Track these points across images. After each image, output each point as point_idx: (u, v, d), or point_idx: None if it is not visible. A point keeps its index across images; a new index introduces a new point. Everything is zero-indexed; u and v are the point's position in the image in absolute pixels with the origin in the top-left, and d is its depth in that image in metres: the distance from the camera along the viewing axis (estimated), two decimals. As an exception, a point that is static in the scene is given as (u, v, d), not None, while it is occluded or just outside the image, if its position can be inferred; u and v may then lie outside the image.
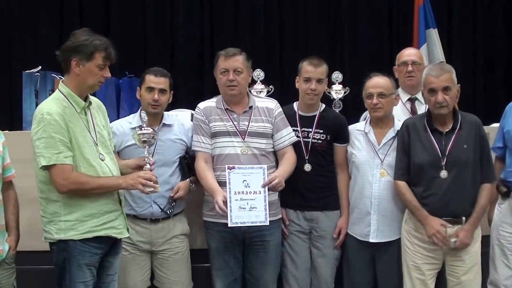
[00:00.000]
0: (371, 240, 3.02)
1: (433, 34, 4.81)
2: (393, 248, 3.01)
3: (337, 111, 3.67)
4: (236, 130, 2.95)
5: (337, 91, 3.80)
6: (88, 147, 2.54)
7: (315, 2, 5.37)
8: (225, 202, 2.79)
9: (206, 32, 5.21)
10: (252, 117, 2.98)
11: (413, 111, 3.47)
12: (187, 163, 3.00)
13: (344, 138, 3.15)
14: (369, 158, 3.04)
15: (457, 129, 2.85)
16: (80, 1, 5.13)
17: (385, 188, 3.00)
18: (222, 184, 2.87)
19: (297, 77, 3.18)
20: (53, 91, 3.52)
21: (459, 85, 2.89)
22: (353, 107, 3.74)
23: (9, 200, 2.69)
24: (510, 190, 3.05)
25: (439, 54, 4.78)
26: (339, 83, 3.80)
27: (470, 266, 2.85)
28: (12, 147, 2.77)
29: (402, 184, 2.91)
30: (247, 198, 2.82)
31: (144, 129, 2.70)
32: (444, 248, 2.84)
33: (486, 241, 3.02)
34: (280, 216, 3.06)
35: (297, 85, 3.19)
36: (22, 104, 3.56)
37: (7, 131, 2.80)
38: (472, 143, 2.83)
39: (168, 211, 2.97)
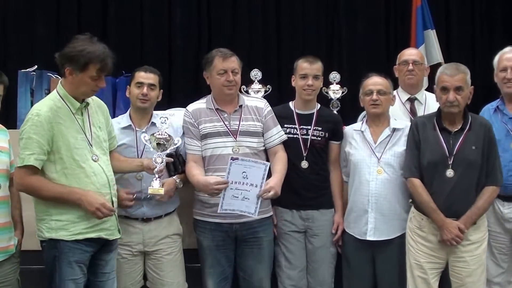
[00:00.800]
0: (368, 238, 3.04)
1: (431, 35, 4.89)
2: (392, 246, 3.02)
3: (335, 111, 3.69)
4: (227, 130, 2.98)
5: (335, 91, 3.81)
6: (80, 148, 2.56)
7: (313, 2, 5.38)
8: (218, 180, 2.82)
9: (203, 32, 5.21)
10: (242, 115, 3.01)
11: (412, 111, 3.49)
12: (173, 162, 2.95)
13: (340, 135, 3.21)
14: (366, 157, 3.07)
15: (466, 129, 2.87)
16: (78, 1, 5.12)
17: (382, 186, 3.02)
18: None
19: (293, 76, 3.23)
20: (49, 90, 3.57)
21: (472, 86, 2.91)
22: (351, 107, 3.75)
23: (14, 197, 2.72)
24: None
25: (437, 55, 4.85)
26: (336, 83, 3.81)
27: (474, 268, 2.86)
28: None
29: (418, 182, 2.89)
30: (242, 189, 2.84)
31: (162, 134, 2.79)
32: (448, 248, 2.84)
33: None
34: (271, 213, 3.08)
35: (293, 83, 3.24)
36: (17, 102, 3.55)
37: (5, 128, 2.80)
38: (480, 145, 2.85)
39: (173, 173, 2.96)
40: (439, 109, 2.96)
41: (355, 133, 3.15)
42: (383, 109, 3.08)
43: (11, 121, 3.55)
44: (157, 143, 2.80)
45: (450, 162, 2.82)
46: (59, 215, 2.54)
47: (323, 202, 3.16)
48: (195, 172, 2.94)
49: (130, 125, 3.02)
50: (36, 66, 3.66)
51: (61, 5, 5.13)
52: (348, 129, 3.21)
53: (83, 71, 2.52)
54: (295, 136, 3.15)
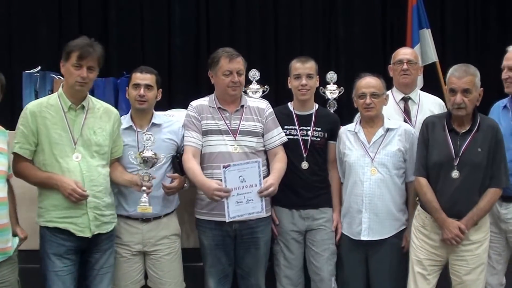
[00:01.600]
0: (362, 238, 3.04)
1: (427, 34, 4.86)
2: (386, 246, 3.04)
3: (332, 111, 3.69)
4: (228, 128, 2.99)
5: (332, 91, 3.81)
6: (61, 144, 2.71)
7: (310, 3, 5.38)
8: (220, 187, 2.82)
9: (202, 32, 5.22)
10: (243, 115, 3.02)
11: (406, 110, 3.48)
12: (179, 162, 3.02)
13: (337, 135, 3.22)
14: (360, 157, 3.08)
15: (474, 131, 2.85)
16: (79, 2, 5.14)
17: (376, 186, 3.03)
18: None
19: (288, 77, 3.25)
20: (52, 90, 3.61)
21: (481, 88, 2.88)
22: (348, 107, 3.68)
23: (9, 194, 2.75)
24: None
25: (432, 54, 4.82)
26: (333, 83, 3.82)
27: (474, 267, 2.86)
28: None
29: (424, 181, 2.91)
30: (243, 192, 2.85)
31: (147, 152, 2.81)
32: (449, 247, 2.86)
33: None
34: (269, 213, 3.10)
35: (289, 85, 3.25)
36: (22, 104, 3.59)
37: (8, 130, 2.84)
38: (487, 147, 2.83)
39: (180, 173, 3.00)
40: (449, 110, 2.94)
41: (349, 134, 3.15)
42: (377, 111, 3.09)
43: (16, 122, 3.60)
44: (142, 161, 2.81)
45: (456, 163, 2.82)
46: (41, 202, 2.76)
47: (322, 201, 3.18)
48: (198, 171, 2.94)
49: (131, 125, 3.04)
50: (39, 67, 3.69)
51: (63, 5, 5.15)
52: (342, 130, 3.21)
53: (67, 60, 2.71)
54: (295, 137, 3.16)
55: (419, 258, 2.92)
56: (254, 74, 3.78)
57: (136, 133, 3.03)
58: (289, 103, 3.29)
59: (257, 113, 3.06)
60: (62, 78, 2.88)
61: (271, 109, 3.13)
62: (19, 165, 2.74)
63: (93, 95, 3.40)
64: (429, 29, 4.89)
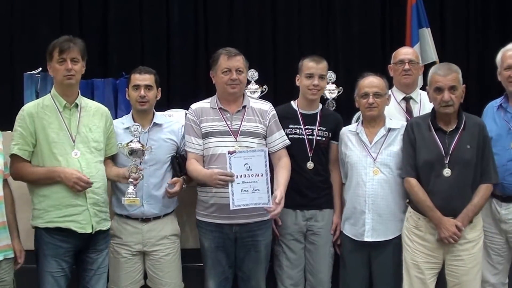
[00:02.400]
0: (366, 239, 3.03)
1: (426, 33, 4.85)
2: (389, 247, 3.03)
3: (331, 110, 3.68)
4: (229, 129, 2.98)
5: (331, 91, 3.81)
6: (59, 143, 2.74)
7: (308, 2, 5.37)
8: (223, 171, 2.82)
9: (200, 32, 5.22)
10: (245, 116, 3.01)
11: (408, 110, 3.47)
12: (178, 163, 3.04)
13: (339, 135, 3.23)
14: (362, 157, 3.07)
15: (461, 128, 2.87)
16: (79, 3, 5.16)
17: (379, 186, 3.02)
18: None
19: (297, 75, 3.23)
20: (52, 92, 3.63)
21: (464, 85, 2.91)
22: (347, 107, 3.74)
23: (7, 199, 2.77)
24: None
25: (432, 54, 4.81)
26: (332, 83, 3.82)
27: (470, 267, 2.86)
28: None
29: (414, 181, 2.90)
30: (249, 181, 2.83)
31: (134, 143, 2.82)
32: (445, 247, 2.86)
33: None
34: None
35: (297, 83, 3.24)
36: (23, 104, 3.61)
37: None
38: (475, 144, 2.85)
39: (179, 174, 3.02)
40: (433, 110, 2.95)
41: (351, 134, 3.14)
42: (379, 111, 3.08)
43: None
44: (130, 152, 2.82)
45: (447, 161, 2.82)
46: (38, 204, 2.76)
47: (325, 202, 3.18)
48: (198, 166, 2.96)
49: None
50: (40, 68, 3.69)
51: (63, 7, 5.16)
52: (343, 131, 3.19)
53: (51, 60, 2.79)
54: (300, 136, 3.16)
55: (415, 261, 2.90)
56: (253, 74, 3.77)
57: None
58: (292, 102, 3.28)
59: (260, 115, 3.05)
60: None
61: (274, 112, 3.11)
62: (17, 166, 2.76)
63: (92, 96, 3.47)
64: (429, 28, 4.87)
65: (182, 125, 3.16)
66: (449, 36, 5.44)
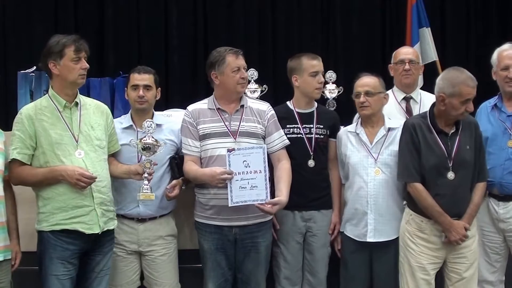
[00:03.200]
0: (369, 240, 3.02)
1: (426, 33, 4.87)
2: (391, 248, 3.01)
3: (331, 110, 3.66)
4: (227, 130, 2.95)
5: (331, 91, 3.77)
6: (63, 144, 2.70)
7: (309, 2, 5.38)
8: (223, 170, 2.82)
9: (199, 32, 5.21)
10: (243, 116, 2.99)
11: (408, 110, 3.47)
12: (176, 164, 3.03)
13: (337, 133, 3.21)
14: (363, 158, 3.06)
15: (460, 130, 2.87)
16: (75, 1, 5.13)
17: (381, 187, 3.01)
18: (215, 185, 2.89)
19: (294, 75, 3.19)
20: (47, 91, 3.56)
21: None
22: (347, 106, 3.68)
23: (8, 200, 2.75)
24: (486, 190, 3.08)
25: (432, 53, 4.83)
26: (332, 83, 3.78)
27: (471, 262, 2.90)
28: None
29: (420, 187, 2.87)
30: (247, 178, 2.84)
31: (148, 138, 2.82)
32: (448, 247, 2.86)
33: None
34: (271, 216, 3.05)
35: (296, 83, 3.19)
36: (17, 104, 3.57)
37: (9, 131, 2.83)
38: (472, 144, 2.88)
39: (177, 175, 3.02)
40: (431, 110, 2.93)
41: (350, 135, 3.13)
42: (373, 110, 3.05)
43: (12, 123, 3.58)
44: (143, 148, 2.82)
45: (450, 164, 2.82)
46: (43, 207, 2.70)
47: (324, 202, 3.16)
48: (195, 167, 2.94)
49: (132, 125, 3.06)
50: (35, 67, 3.66)
51: (58, 5, 5.14)
52: (342, 131, 3.19)
53: (62, 57, 2.69)
54: (298, 135, 3.13)
55: (421, 264, 2.89)
56: (252, 73, 3.73)
57: (136, 132, 3.04)
58: (288, 102, 3.26)
59: (258, 115, 3.02)
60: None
61: (273, 112, 3.08)
62: (17, 170, 2.70)
63: (89, 95, 3.44)
64: (429, 28, 4.89)
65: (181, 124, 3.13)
66: (449, 35, 5.46)
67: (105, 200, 2.76)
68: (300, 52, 3.34)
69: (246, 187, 2.83)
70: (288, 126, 3.14)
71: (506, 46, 3.19)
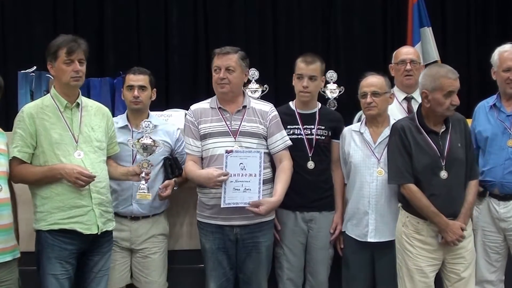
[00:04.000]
0: (369, 240, 3.01)
1: (427, 32, 4.85)
2: (392, 248, 2.99)
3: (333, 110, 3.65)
4: (228, 130, 2.95)
5: (332, 90, 3.78)
6: (62, 144, 2.71)
7: (310, 1, 5.37)
8: (219, 172, 2.83)
9: (200, 32, 5.20)
10: (245, 116, 2.97)
11: (409, 110, 3.45)
12: (170, 164, 3.06)
13: (341, 134, 3.19)
14: (366, 158, 3.05)
15: (450, 128, 2.86)
16: (74, 1, 5.12)
17: (383, 187, 3.00)
18: None
19: (294, 74, 3.20)
20: (47, 91, 3.58)
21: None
22: (348, 106, 3.73)
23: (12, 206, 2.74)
24: (486, 190, 3.11)
25: (433, 53, 4.81)
26: (333, 82, 3.79)
27: (469, 262, 2.89)
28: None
29: (414, 188, 2.84)
30: (242, 180, 2.85)
31: (145, 139, 2.84)
32: (445, 248, 2.85)
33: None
34: (273, 216, 3.06)
35: (293, 83, 3.21)
36: (17, 104, 3.56)
37: (3, 131, 2.82)
38: (463, 142, 2.87)
39: (171, 175, 3.03)
40: (419, 111, 2.91)
41: (354, 134, 3.11)
42: (379, 110, 3.05)
43: (12, 123, 3.57)
44: (142, 148, 2.84)
45: (443, 163, 2.81)
46: (41, 206, 2.70)
47: (326, 203, 3.16)
48: (193, 168, 2.94)
49: (127, 125, 3.10)
50: (35, 67, 3.67)
51: (58, 5, 5.13)
52: (346, 130, 3.17)
53: (56, 59, 2.71)
54: (299, 136, 3.12)
55: (419, 266, 2.87)
56: (253, 73, 3.76)
57: (131, 132, 3.07)
58: (290, 102, 3.25)
59: (260, 116, 3.01)
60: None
61: (275, 112, 3.06)
62: (17, 168, 2.71)
63: (89, 95, 3.44)
64: (430, 27, 4.87)
65: (178, 128, 3.17)
66: (450, 35, 5.45)
67: (103, 201, 2.77)
68: (300, 52, 3.35)
69: (239, 189, 2.84)
70: (289, 127, 3.13)
71: (507, 46, 3.17)
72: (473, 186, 2.90)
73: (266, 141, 3.00)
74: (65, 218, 2.67)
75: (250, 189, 2.84)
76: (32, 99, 3.54)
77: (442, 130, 2.86)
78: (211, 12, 5.25)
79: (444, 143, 2.84)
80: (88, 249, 2.76)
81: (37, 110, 2.73)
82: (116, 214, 3.00)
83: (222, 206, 2.84)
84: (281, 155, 3.00)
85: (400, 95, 3.49)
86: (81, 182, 2.64)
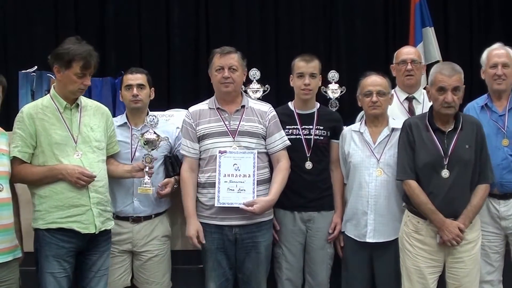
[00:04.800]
0: (368, 240, 3.01)
1: (430, 32, 4.87)
2: (391, 248, 3.00)
3: (334, 110, 3.64)
4: (227, 129, 2.96)
5: (334, 90, 3.78)
6: (62, 144, 2.72)
7: (311, 1, 5.37)
8: (198, 234, 2.90)
9: (201, 32, 5.21)
10: (244, 116, 2.98)
11: (410, 110, 3.46)
12: (171, 163, 3.06)
13: (340, 134, 3.19)
14: (365, 158, 3.04)
15: (458, 129, 2.85)
16: (75, 1, 5.13)
17: (382, 187, 3.00)
18: (213, 184, 2.92)
19: (291, 75, 3.21)
20: (48, 90, 3.57)
21: (464, 86, 2.88)
22: (350, 106, 3.72)
23: (13, 207, 2.75)
24: None
25: (436, 53, 4.83)
26: (335, 82, 3.79)
27: (471, 268, 2.85)
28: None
29: (414, 184, 2.85)
30: (236, 181, 2.88)
31: (149, 133, 2.86)
32: (445, 249, 2.83)
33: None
34: (272, 216, 3.06)
35: (291, 83, 3.22)
36: (18, 104, 3.57)
37: (5, 131, 2.82)
38: (473, 144, 2.84)
39: (171, 173, 3.04)
40: (430, 109, 2.92)
41: (354, 134, 3.11)
42: (383, 110, 3.06)
43: (13, 123, 3.57)
44: (145, 142, 2.87)
45: (446, 162, 2.81)
46: (39, 205, 2.72)
47: (324, 203, 3.15)
48: (188, 196, 2.95)
49: (126, 123, 3.10)
50: (36, 67, 3.67)
51: (59, 5, 5.14)
52: (346, 130, 3.17)
53: (68, 68, 2.69)
54: (297, 136, 3.12)
55: (418, 267, 2.86)
56: (255, 73, 3.76)
57: (130, 130, 3.09)
58: (289, 103, 3.26)
59: (259, 115, 3.01)
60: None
61: (274, 113, 3.07)
62: (17, 168, 2.72)
63: (90, 95, 3.44)
64: (432, 27, 4.88)
65: (177, 127, 3.17)
66: (453, 35, 5.46)
67: (102, 200, 2.77)
68: (302, 52, 3.34)
69: (234, 190, 2.87)
70: (287, 127, 3.13)
71: (495, 45, 3.22)
72: (480, 190, 2.85)
73: (265, 141, 3.00)
74: (63, 217, 2.69)
75: (244, 190, 2.88)
76: (33, 99, 3.55)
77: (450, 129, 2.85)
78: (213, 12, 5.26)
79: (450, 142, 2.82)
80: (86, 248, 2.77)
81: (36, 110, 2.74)
82: (117, 217, 3.01)
83: (216, 205, 2.87)
84: (279, 155, 3.01)
85: (401, 95, 3.50)
86: (82, 182, 2.66)
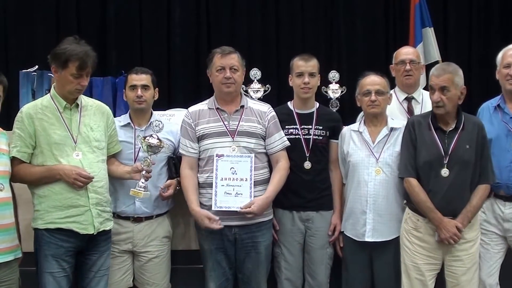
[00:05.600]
0: (367, 240, 3.01)
1: (429, 32, 4.86)
2: (390, 248, 3.01)
3: (334, 110, 3.67)
4: (226, 130, 2.96)
5: (334, 91, 3.81)
6: (61, 144, 2.71)
7: (312, 1, 5.37)
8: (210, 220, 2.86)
9: (202, 31, 5.21)
10: (243, 116, 2.99)
11: (410, 110, 3.46)
12: (174, 164, 3.06)
13: (339, 134, 3.20)
14: (364, 157, 3.05)
15: (460, 128, 2.86)
16: (77, 0, 5.12)
17: (381, 187, 3.01)
18: (211, 185, 2.91)
19: (290, 75, 3.22)
20: (49, 90, 3.56)
21: (464, 86, 2.88)
22: (350, 106, 3.70)
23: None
24: (492, 191, 3.06)
25: (435, 53, 4.82)
26: (336, 82, 3.80)
27: (469, 267, 2.87)
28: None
29: (415, 182, 2.87)
30: (233, 185, 2.88)
31: (152, 138, 2.85)
32: (444, 247, 2.84)
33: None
34: (271, 216, 3.07)
35: (290, 83, 3.23)
36: (19, 103, 3.56)
37: (5, 131, 2.82)
38: (474, 144, 2.85)
39: (175, 175, 3.04)
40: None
41: (353, 133, 3.12)
42: (381, 109, 3.07)
43: (13, 122, 3.57)
44: (147, 147, 2.86)
45: (446, 161, 2.82)
46: (38, 205, 2.72)
47: (323, 203, 3.16)
48: (192, 196, 2.94)
49: (129, 123, 3.09)
50: (37, 66, 3.67)
51: (60, 5, 5.13)
52: (346, 130, 3.18)
53: (64, 69, 2.68)
54: (296, 136, 3.13)
55: (416, 263, 2.89)
56: (255, 73, 3.77)
57: (133, 130, 3.07)
58: (288, 102, 3.27)
59: (258, 116, 3.02)
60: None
61: (273, 113, 3.08)
62: (17, 168, 2.72)
63: (91, 95, 3.44)
64: (432, 28, 4.88)
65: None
66: (452, 35, 5.44)
67: (101, 200, 2.77)
68: (302, 52, 3.35)
69: (231, 193, 2.88)
70: (286, 127, 3.14)
71: (511, 45, 3.18)
72: (480, 190, 2.86)
73: (264, 141, 3.01)
74: (62, 217, 2.69)
75: (241, 194, 2.88)
76: (34, 98, 3.55)
77: (451, 129, 2.86)
78: (214, 12, 5.25)
79: (451, 141, 2.84)
80: (85, 247, 2.77)
81: (36, 110, 2.73)
82: (118, 216, 3.00)
83: (213, 208, 2.87)
84: (279, 155, 3.02)
85: (401, 95, 3.51)
86: (79, 183, 2.66)
